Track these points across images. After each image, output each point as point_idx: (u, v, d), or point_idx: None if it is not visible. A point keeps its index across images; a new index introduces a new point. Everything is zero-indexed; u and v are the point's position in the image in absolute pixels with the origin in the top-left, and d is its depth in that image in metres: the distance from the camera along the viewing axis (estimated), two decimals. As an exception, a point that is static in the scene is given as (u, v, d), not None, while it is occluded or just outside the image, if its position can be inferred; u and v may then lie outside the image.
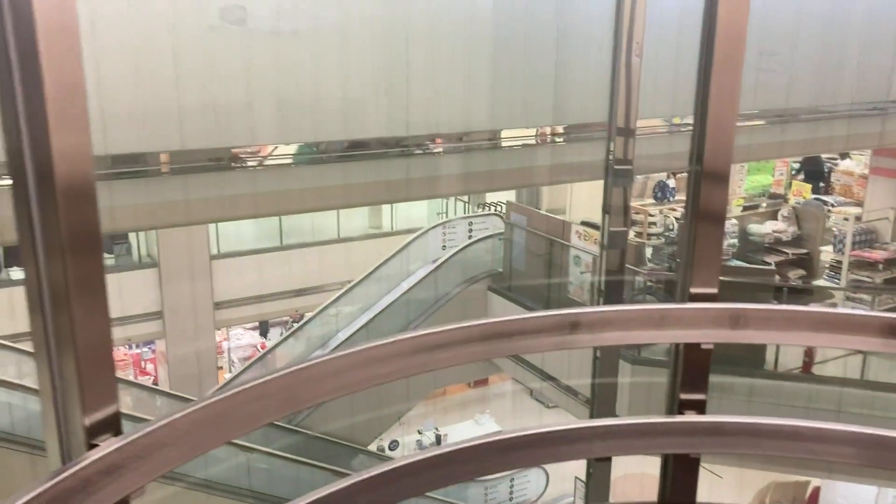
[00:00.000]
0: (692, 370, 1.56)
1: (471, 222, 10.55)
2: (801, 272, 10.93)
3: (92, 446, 1.46)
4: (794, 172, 12.77)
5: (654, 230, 10.70)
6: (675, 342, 1.58)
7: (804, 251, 10.97)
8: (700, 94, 1.64)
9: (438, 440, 11.84)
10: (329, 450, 8.95)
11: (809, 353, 8.50)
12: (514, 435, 1.48)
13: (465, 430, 12.09)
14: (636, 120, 2.23)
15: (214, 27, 4.04)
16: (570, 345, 1.58)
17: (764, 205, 11.80)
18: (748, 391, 7.46)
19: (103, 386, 1.48)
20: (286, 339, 10.16)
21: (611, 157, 2.20)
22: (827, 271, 10.50)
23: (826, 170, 12.87)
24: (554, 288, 9.69)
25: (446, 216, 12.90)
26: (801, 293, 10.07)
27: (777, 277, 9.65)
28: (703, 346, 1.55)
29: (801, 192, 12.16)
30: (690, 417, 1.52)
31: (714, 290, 1.60)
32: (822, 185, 12.64)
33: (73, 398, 1.47)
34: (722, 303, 1.59)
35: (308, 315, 10.15)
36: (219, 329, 11.32)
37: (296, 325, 10.45)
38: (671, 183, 10.76)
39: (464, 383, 15.14)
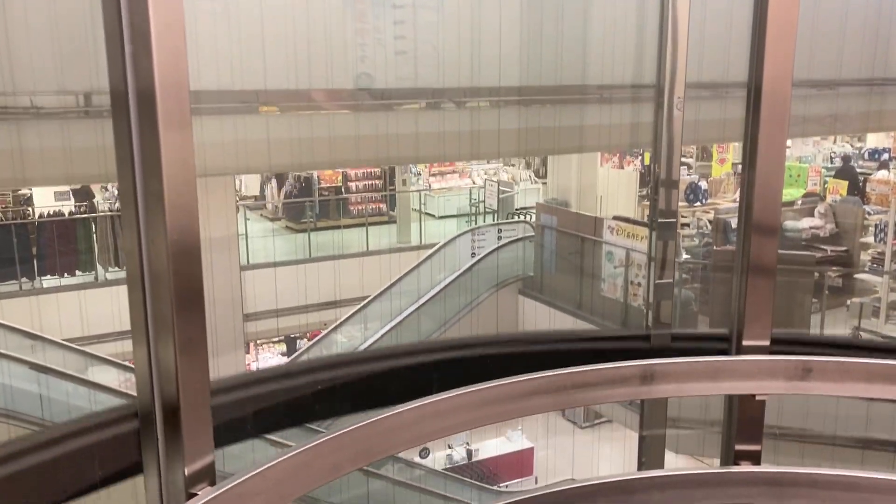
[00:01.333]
0: (747, 421, 1.63)
1: (500, 229, 10.59)
2: (841, 270, 10.75)
3: (190, 495, 1.60)
4: (825, 183, 12.59)
5: (686, 231, 10.67)
6: (729, 394, 1.66)
7: (843, 248, 10.80)
8: (747, 157, 1.71)
9: (469, 455, 11.84)
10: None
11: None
12: (576, 486, 1.58)
13: (497, 447, 12.10)
14: (678, 173, 2.33)
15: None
16: (623, 397, 1.67)
17: (799, 202, 11.65)
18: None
19: (202, 437, 1.60)
20: (308, 349, 10.15)
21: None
22: (869, 264, 10.26)
23: (861, 180, 12.69)
24: (587, 287, 9.68)
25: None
26: (842, 288, 9.88)
27: (816, 275, 9.48)
28: (758, 398, 1.62)
29: (838, 189, 12.01)
30: (746, 468, 1.59)
31: (766, 343, 1.68)
32: (856, 194, 12.45)
33: (174, 448, 1.60)
34: (775, 355, 1.66)
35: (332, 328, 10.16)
36: (248, 344, 11.37)
37: (318, 338, 10.45)
38: (703, 185, 10.71)
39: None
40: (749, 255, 1.70)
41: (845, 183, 12.27)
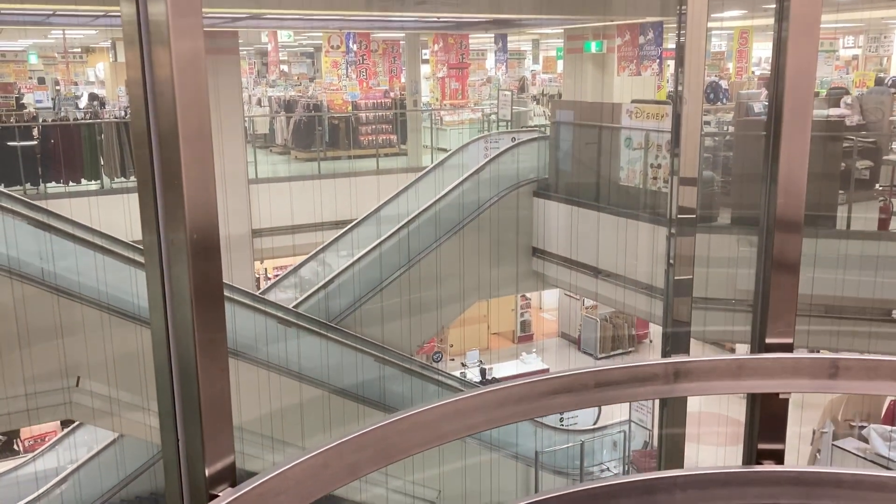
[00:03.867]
0: (770, 420, 1.61)
1: (514, 137, 10.26)
2: (868, 163, 10.46)
3: (211, 496, 1.62)
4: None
5: (708, 129, 10.36)
6: (752, 392, 1.63)
7: (870, 140, 10.45)
8: (770, 150, 1.61)
9: (483, 374, 12.06)
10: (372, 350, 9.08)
11: (886, 209, 8.27)
12: (598, 485, 1.58)
13: (510, 368, 12.35)
14: (700, 171, 2.19)
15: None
16: (647, 395, 1.65)
17: (824, 92, 11.23)
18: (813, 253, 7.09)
19: (223, 437, 1.61)
20: (314, 255, 10.10)
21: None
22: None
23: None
24: (604, 179, 9.42)
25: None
26: (870, 181, 9.63)
27: (843, 165, 9.17)
28: (781, 396, 1.60)
29: (865, 82, 11.52)
30: (769, 467, 1.59)
31: (790, 340, 1.63)
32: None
33: (195, 449, 1.61)
34: (798, 353, 1.62)
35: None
36: (257, 260, 11.32)
37: (324, 244, 10.35)
38: (724, 84, 10.29)
39: (508, 336, 15.32)
40: (772, 251, 1.63)
41: (872, 74, 11.78)
